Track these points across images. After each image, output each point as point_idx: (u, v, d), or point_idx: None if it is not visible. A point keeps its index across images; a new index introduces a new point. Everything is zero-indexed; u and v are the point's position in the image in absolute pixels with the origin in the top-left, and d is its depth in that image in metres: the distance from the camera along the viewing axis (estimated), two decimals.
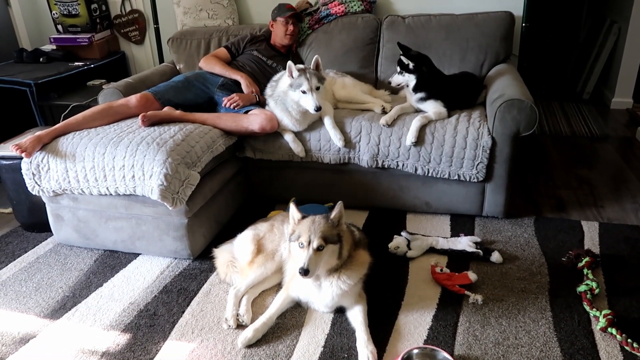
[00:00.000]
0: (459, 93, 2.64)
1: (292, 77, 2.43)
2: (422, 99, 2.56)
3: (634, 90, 4.22)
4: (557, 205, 2.73)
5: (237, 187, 2.70)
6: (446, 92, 2.56)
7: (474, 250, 2.22)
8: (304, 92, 2.40)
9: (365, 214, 2.65)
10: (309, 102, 2.40)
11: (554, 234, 2.41)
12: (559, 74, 5.05)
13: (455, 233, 2.44)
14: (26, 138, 2.32)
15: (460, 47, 2.97)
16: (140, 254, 2.38)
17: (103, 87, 3.37)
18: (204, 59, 2.92)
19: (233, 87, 2.79)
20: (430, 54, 2.68)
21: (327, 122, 2.55)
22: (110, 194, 2.23)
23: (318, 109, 2.38)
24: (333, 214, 1.82)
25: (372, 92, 2.95)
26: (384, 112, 2.59)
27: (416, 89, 2.56)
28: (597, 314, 1.82)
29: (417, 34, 3.02)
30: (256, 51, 2.96)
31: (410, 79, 2.55)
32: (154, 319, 1.93)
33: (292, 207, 1.87)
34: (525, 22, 3.11)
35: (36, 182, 2.32)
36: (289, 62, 2.42)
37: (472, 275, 2.04)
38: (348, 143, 2.52)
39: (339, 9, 3.16)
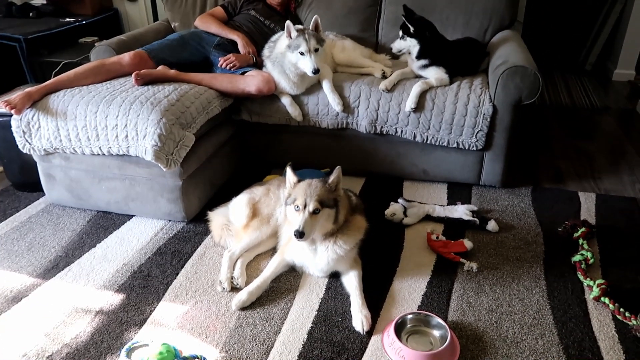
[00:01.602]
0: (462, 59, 2.58)
1: (291, 37, 2.36)
2: (425, 66, 2.49)
3: (636, 62, 4.16)
4: (555, 176, 2.71)
5: (232, 150, 2.66)
6: (449, 59, 2.49)
7: (471, 218, 2.21)
8: (302, 53, 2.33)
9: (362, 180, 2.63)
10: (307, 64, 2.33)
11: (550, 204, 2.40)
12: (562, 43, 4.95)
13: (452, 201, 2.43)
14: (16, 94, 2.25)
15: (464, 12, 2.88)
16: (134, 215, 2.35)
17: (95, 44, 3.29)
18: (199, 18, 2.83)
19: (229, 47, 2.71)
20: (433, 18, 2.60)
21: (326, 85, 2.49)
22: (103, 154, 2.19)
23: (316, 71, 2.31)
24: (331, 179, 1.80)
25: (373, 56, 2.88)
26: (384, 76, 2.53)
27: (419, 56, 2.49)
28: (591, 283, 1.83)
29: None
30: (253, 10, 2.87)
31: (413, 45, 2.48)
32: (148, 280, 1.92)
33: (289, 170, 1.84)
34: None
35: (27, 140, 2.27)
36: (288, 22, 2.34)
37: (467, 243, 2.04)
38: (346, 108, 2.48)
39: None
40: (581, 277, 1.88)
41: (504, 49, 2.56)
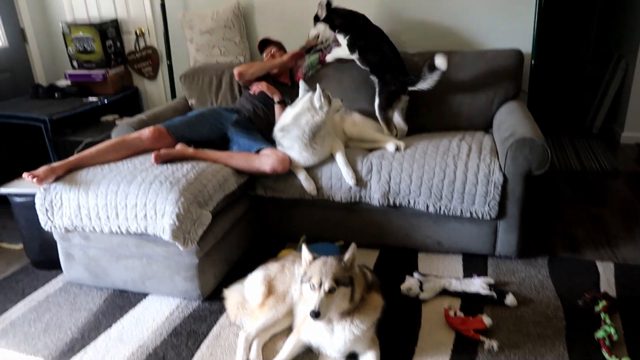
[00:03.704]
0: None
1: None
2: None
3: None
4: (570, 244, 2.69)
5: (248, 225, 2.69)
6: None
7: (488, 292, 2.19)
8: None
9: (376, 253, 2.63)
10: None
11: (568, 275, 2.37)
12: (568, 108, 5.07)
13: (468, 273, 2.41)
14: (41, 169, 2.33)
15: (470, 84, 2.98)
16: (149, 293, 2.36)
17: (116, 122, 3.44)
18: (241, 68, 3.01)
19: (247, 123, 2.82)
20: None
21: (339, 158, 2.55)
22: (122, 233, 2.23)
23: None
24: (346, 257, 1.81)
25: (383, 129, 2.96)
26: (398, 149, 2.60)
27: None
28: None
29: None
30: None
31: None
32: None
33: (304, 248, 1.86)
34: (534, 59, 3.14)
35: (49, 218, 2.33)
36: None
37: (486, 320, 2.00)
38: (359, 181, 2.52)
39: None
40: (606, 355, 1.82)
41: (511, 121, 2.63)
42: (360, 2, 3.17)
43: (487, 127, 2.99)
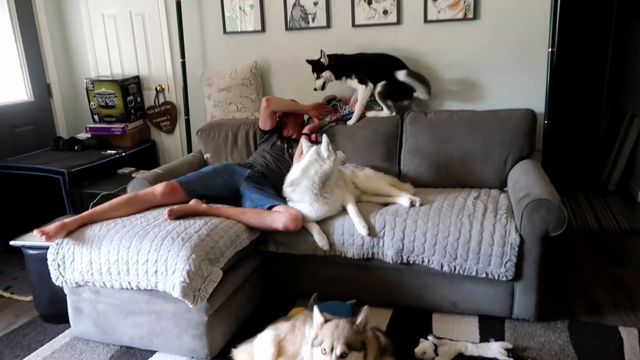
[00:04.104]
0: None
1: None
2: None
3: None
4: (591, 307, 2.60)
5: (258, 281, 2.66)
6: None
7: (506, 358, 2.10)
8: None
9: (389, 313, 2.56)
10: None
11: (590, 341, 2.27)
12: (583, 166, 5.04)
13: (484, 337, 2.33)
14: (52, 225, 2.36)
15: (483, 143, 3.00)
16: (156, 351, 2.31)
17: (132, 175, 3.49)
18: (268, 100, 3.12)
19: (260, 178, 2.85)
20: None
21: (351, 209, 2.55)
22: (132, 289, 2.22)
23: None
24: (359, 319, 1.77)
25: (397, 184, 2.96)
26: (413, 205, 2.59)
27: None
28: None
29: (439, 129, 3.07)
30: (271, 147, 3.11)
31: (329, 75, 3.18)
32: None
33: (315, 309, 1.82)
34: (548, 119, 3.16)
35: (60, 273, 2.33)
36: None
37: None
38: (371, 230, 2.50)
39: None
40: None
41: (526, 180, 2.62)
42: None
43: (501, 185, 2.98)
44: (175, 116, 4.00)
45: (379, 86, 3.17)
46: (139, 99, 3.97)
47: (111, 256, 2.22)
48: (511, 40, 3.18)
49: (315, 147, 2.64)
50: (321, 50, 3.13)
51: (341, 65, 3.17)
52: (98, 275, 2.25)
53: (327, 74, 3.16)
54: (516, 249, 2.32)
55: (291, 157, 2.99)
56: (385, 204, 2.71)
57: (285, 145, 3.09)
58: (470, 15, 3.18)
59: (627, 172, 4.48)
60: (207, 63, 3.79)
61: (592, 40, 5.49)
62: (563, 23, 3.36)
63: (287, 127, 3.23)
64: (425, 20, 3.27)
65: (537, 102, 3.15)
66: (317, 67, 3.16)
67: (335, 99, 3.40)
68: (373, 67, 3.18)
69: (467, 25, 3.22)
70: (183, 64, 3.70)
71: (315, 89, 3.21)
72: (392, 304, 2.61)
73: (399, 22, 3.32)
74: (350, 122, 3.24)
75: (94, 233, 2.32)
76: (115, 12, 3.93)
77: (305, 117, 3.36)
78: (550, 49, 3.04)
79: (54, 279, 2.34)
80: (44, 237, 2.27)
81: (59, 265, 2.32)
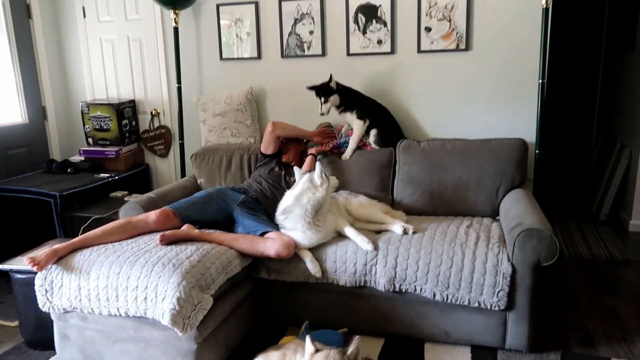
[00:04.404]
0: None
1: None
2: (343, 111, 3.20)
3: None
4: (583, 338, 2.58)
5: (249, 308, 2.63)
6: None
7: None
8: None
9: (381, 342, 2.53)
10: None
11: None
12: (574, 195, 5.09)
13: None
14: (42, 251, 2.33)
15: (475, 172, 3.02)
16: None
17: (125, 199, 3.47)
18: (275, 124, 3.13)
19: (254, 204, 2.84)
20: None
21: (350, 231, 2.57)
22: (120, 315, 2.18)
23: None
24: (349, 350, 1.74)
25: (390, 212, 2.96)
26: (405, 232, 2.59)
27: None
28: None
29: (432, 158, 3.10)
30: (269, 173, 3.11)
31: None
32: None
33: (307, 339, 1.80)
34: (539, 149, 3.20)
35: (48, 299, 2.29)
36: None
37: None
38: (375, 246, 2.51)
39: None
40: None
41: (518, 209, 2.63)
42: (370, 90, 3.33)
43: (494, 214, 2.99)
44: (169, 140, 4.01)
45: (372, 135, 3.23)
46: (134, 123, 3.99)
47: (100, 282, 2.19)
48: (502, 71, 3.24)
49: (308, 174, 2.65)
50: (330, 75, 3.14)
51: (346, 95, 3.19)
52: (87, 302, 2.21)
53: (335, 98, 3.15)
54: (508, 279, 2.31)
55: (288, 184, 2.98)
56: (379, 232, 2.71)
57: (283, 172, 3.09)
58: (462, 46, 3.25)
59: (617, 201, 4.51)
60: (203, 88, 3.83)
61: (583, 71, 5.61)
62: (553, 55, 3.44)
63: (288, 153, 3.23)
64: (419, 50, 3.34)
65: (528, 131, 3.19)
66: (324, 90, 3.14)
67: (331, 127, 3.43)
68: (372, 109, 3.22)
69: (460, 56, 3.29)
70: (179, 89, 3.72)
71: (322, 114, 3.17)
72: (384, 333, 2.58)
73: (392, 51, 3.38)
74: (345, 156, 3.23)
75: (83, 258, 2.29)
76: (113, 37, 3.97)
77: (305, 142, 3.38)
78: (540, 80, 3.10)
79: (40, 305, 2.30)
80: (35, 267, 2.23)
81: (46, 291, 2.28)
